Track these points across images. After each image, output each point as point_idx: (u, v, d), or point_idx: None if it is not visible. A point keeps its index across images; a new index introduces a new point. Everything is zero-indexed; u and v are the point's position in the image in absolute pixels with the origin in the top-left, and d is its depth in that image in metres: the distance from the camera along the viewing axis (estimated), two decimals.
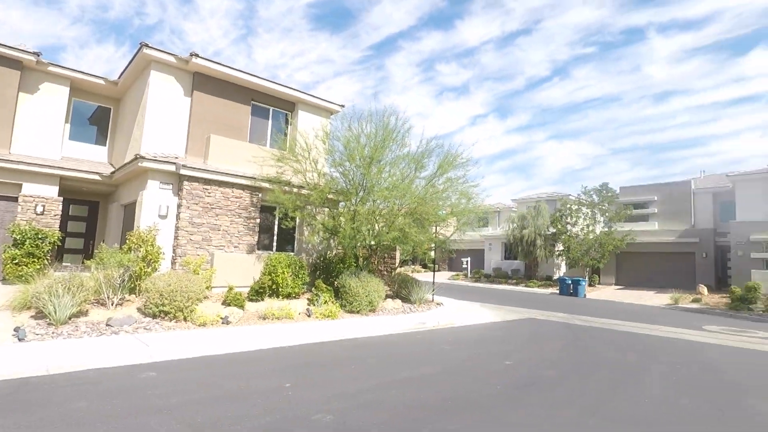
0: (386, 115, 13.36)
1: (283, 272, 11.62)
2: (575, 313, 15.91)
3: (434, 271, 17.59)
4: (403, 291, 14.40)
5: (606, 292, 25.82)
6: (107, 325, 8.11)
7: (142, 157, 11.12)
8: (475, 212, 14.78)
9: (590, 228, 28.52)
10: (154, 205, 11.38)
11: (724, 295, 21.47)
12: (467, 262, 34.02)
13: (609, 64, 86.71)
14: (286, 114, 15.68)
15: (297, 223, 13.87)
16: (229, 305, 10.19)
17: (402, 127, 13.56)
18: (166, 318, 8.90)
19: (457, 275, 35.43)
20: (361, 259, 14.13)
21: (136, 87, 13.98)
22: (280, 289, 11.50)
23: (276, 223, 13.76)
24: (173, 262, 11.37)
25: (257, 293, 11.20)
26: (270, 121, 15.35)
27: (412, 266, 34.10)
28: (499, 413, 4.91)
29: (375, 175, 12.63)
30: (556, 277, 30.41)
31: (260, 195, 13.10)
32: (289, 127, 15.54)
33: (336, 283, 12.70)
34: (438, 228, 15.99)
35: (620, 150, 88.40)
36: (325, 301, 11.67)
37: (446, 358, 7.76)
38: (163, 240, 11.23)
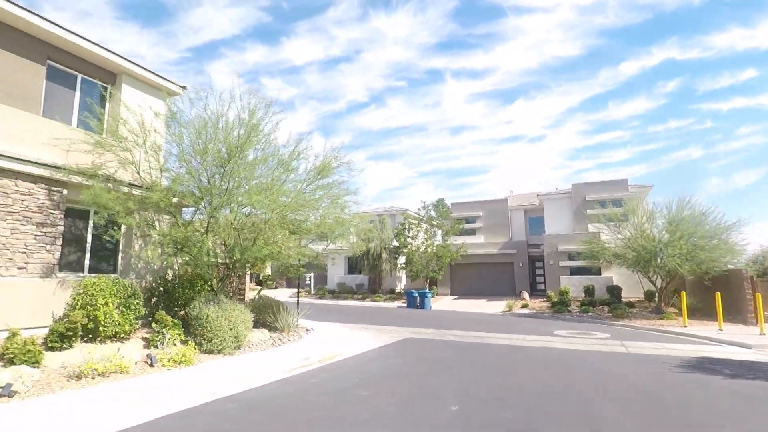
0: (253, 102, 10.81)
1: (107, 303, 8.00)
2: (439, 327, 15.70)
3: (298, 289, 15.35)
4: (268, 317, 11.83)
5: (445, 302, 27.17)
6: None
7: None
8: (351, 224, 13.22)
9: (429, 241, 29.95)
10: None
11: (543, 299, 24.65)
12: (310, 277, 32.20)
13: (416, 98, 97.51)
14: (106, 87, 11.46)
15: (123, 234, 10.09)
16: (12, 362, 6.33)
17: (271, 119, 11.24)
18: None
19: (300, 292, 33.21)
20: (215, 281, 11.06)
21: None
22: (101, 329, 7.86)
23: (89, 233, 9.70)
24: None
25: (63, 337, 7.38)
26: (78, 93, 11.00)
27: (248, 285, 30.57)
28: None
29: (241, 173, 9.97)
30: (398, 290, 30.94)
31: (64, 193, 9.03)
32: (107, 104, 11.41)
33: (184, 313, 9.52)
34: (303, 240, 13.94)
35: (425, 173, 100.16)
36: (173, 341, 8.48)
37: (379, 414, 5.91)
38: None
